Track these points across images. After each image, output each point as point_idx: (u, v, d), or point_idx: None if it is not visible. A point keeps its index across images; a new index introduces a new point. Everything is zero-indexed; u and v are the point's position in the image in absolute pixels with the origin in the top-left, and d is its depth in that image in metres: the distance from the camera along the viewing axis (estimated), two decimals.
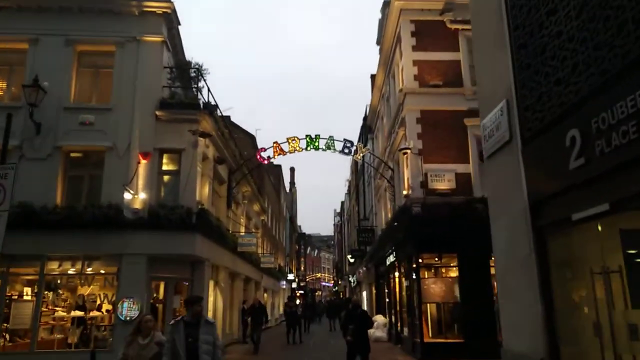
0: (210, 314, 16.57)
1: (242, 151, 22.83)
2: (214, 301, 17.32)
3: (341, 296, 62.92)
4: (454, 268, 14.40)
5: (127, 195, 12.81)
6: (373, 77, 27.33)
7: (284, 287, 47.94)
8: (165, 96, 13.97)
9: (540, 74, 4.79)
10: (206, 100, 14.75)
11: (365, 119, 30.26)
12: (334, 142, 18.79)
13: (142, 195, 13.13)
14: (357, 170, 39.64)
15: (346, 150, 18.68)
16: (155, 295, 14.01)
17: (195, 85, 14.55)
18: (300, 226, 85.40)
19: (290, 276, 51.86)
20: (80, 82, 14.27)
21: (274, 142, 18.80)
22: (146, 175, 13.39)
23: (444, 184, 14.61)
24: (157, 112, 13.69)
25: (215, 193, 17.55)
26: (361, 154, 18.94)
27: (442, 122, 15.10)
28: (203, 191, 15.08)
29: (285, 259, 49.41)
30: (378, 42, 24.01)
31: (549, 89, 4.66)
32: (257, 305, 17.37)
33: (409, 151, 14.63)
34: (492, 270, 14.13)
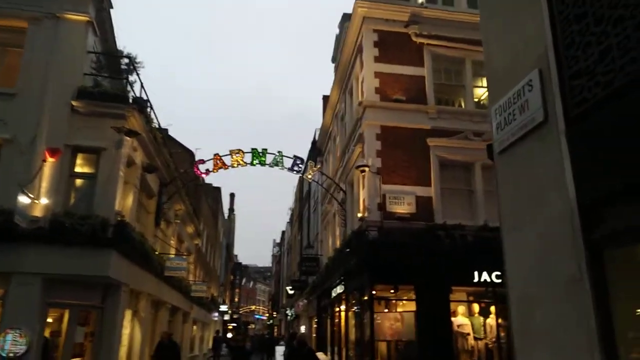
0: (124, 350, 13.95)
1: (179, 166, 20.51)
2: (130, 334, 14.68)
3: (274, 330, 59.99)
4: (411, 302, 12.83)
5: (24, 199, 10.32)
6: (325, 98, 26.12)
7: (216, 319, 44.63)
8: (86, 85, 11.74)
9: (607, 22, 3.31)
10: (138, 95, 12.62)
11: (314, 142, 28.85)
12: (282, 159, 17.02)
13: (44, 201, 10.68)
14: (302, 197, 37.97)
15: (296, 168, 16.95)
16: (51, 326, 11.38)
17: (126, 77, 12.39)
18: (236, 255, 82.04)
19: (224, 307, 48.61)
20: None
21: (215, 154, 16.77)
22: (53, 177, 10.97)
23: (403, 208, 13.18)
24: (74, 103, 11.41)
25: (141, 207, 15.16)
26: (311, 173, 17.28)
27: (403, 141, 13.81)
28: (126, 202, 12.75)
29: (219, 288, 46.29)
30: (334, 60, 22.87)
31: (623, 37, 3.17)
32: (165, 342, 13.20)
33: (367, 169, 13.14)
34: (452, 306, 12.76)
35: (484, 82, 15.16)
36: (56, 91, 11.42)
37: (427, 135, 13.85)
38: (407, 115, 14.00)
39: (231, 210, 71.96)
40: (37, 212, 10.58)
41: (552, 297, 3.75)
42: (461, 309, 13.07)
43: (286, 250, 54.82)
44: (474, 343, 12.91)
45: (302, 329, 31.12)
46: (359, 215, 13.65)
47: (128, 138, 11.71)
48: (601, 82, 3.38)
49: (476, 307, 13.26)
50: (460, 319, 12.95)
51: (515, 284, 4.30)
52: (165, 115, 62.50)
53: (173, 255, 17.72)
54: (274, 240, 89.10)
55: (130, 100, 11.84)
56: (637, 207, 3.11)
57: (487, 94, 15.29)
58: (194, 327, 30.76)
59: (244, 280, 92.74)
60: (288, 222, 55.74)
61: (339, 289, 16.42)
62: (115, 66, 12.95)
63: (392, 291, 12.90)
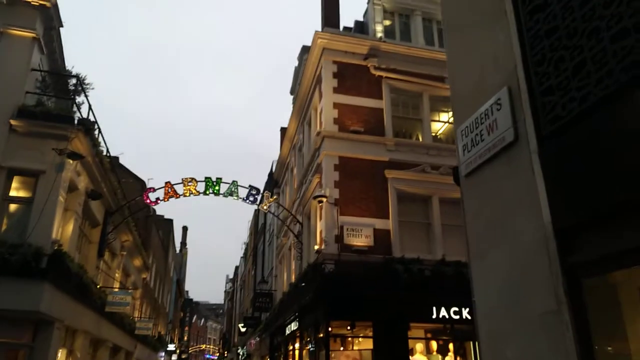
0: None
1: (129, 196, 19.48)
2: None
3: None
4: (368, 339, 12.35)
5: None
6: (283, 130, 25.93)
7: (162, 359, 42.22)
8: (28, 104, 10.97)
9: (581, 35, 3.17)
10: (85, 117, 11.90)
11: (270, 174, 28.44)
12: (237, 188, 16.49)
13: None
14: (257, 231, 37.12)
15: (251, 198, 16.43)
16: None
17: (72, 97, 11.69)
18: (187, 291, 79.10)
19: (171, 346, 46.17)
20: None
21: (166, 182, 16.06)
22: None
23: (360, 240, 12.86)
24: (13, 122, 10.61)
25: (83, 236, 14.16)
26: (267, 204, 16.78)
27: (361, 172, 13.64)
28: (65, 230, 11.82)
29: (167, 326, 44.05)
30: (292, 92, 22.81)
31: (599, 50, 3.03)
32: None
33: (324, 199, 12.81)
34: (411, 343, 12.37)
35: (441, 117, 15.41)
36: None
37: (385, 167, 13.75)
38: (365, 146, 13.89)
39: (183, 244, 69.67)
40: None
41: (525, 332, 3.45)
42: (419, 346, 12.70)
43: (239, 286, 53.11)
44: None
45: None
46: (316, 247, 13.22)
47: (71, 161, 10.94)
48: (576, 98, 3.20)
49: (434, 345, 12.92)
50: (418, 358, 12.55)
51: (484, 318, 3.99)
52: (115, 144, 60.54)
53: (117, 289, 16.59)
54: (227, 276, 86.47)
55: (76, 122, 11.11)
56: (620, 230, 2.88)
57: (443, 128, 15.54)
58: None
59: (194, 318, 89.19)
60: (242, 257, 54.27)
61: (294, 326, 15.73)
62: (62, 86, 12.24)
63: (348, 328, 12.40)
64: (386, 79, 14.67)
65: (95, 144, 12.42)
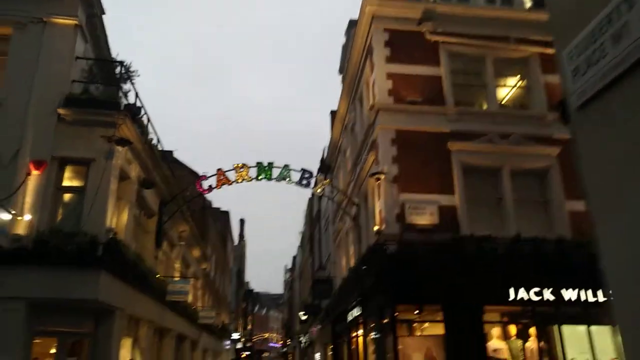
0: None
1: (183, 187, 19.37)
2: None
3: (290, 358, 57.89)
4: (439, 323, 11.43)
5: (5, 216, 9.27)
6: (333, 113, 25.13)
7: (228, 347, 42.96)
8: (75, 92, 10.79)
9: None
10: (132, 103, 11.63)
11: (322, 160, 27.75)
12: (289, 172, 15.89)
13: (28, 217, 9.61)
14: (312, 219, 36.73)
15: (304, 182, 15.78)
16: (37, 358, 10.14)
17: (118, 84, 11.42)
18: (248, 282, 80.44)
19: (235, 335, 46.89)
20: None
21: (218, 170, 15.71)
22: (37, 191, 9.95)
23: (424, 218, 11.92)
24: (61, 111, 10.46)
25: (139, 226, 14.06)
26: (321, 187, 16.11)
27: (421, 145, 12.64)
28: (120, 219, 11.67)
29: (231, 316, 44.73)
30: (341, 71, 21.95)
31: None
32: None
33: (382, 176, 11.95)
34: (486, 328, 11.34)
35: (507, 81, 14.08)
36: (42, 99, 10.51)
37: (448, 139, 12.68)
38: (424, 117, 12.87)
39: (241, 236, 70.76)
40: (20, 230, 9.52)
41: None
42: (496, 331, 11.64)
43: (298, 275, 53.20)
44: None
45: (317, 356, 29.47)
46: (376, 228, 12.40)
47: (120, 148, 10.69)
48: None
49: (513, 329, 11.80)
50: (496, 343, 11.50)
51: (624, 294, 3.03)
52: (167, 138, 61.87)
53: (177, 279, 16.52)
54: (285, 266, 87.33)
55: (122, 107, 10.84)
56: None
57: (510, 93, 14.22)
58: (204, 357, 29.26)
59: (256, 308, 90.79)
60: (299, 246, 54.29)
61: (356, 312, 15.02)
62: (108, 74, 12.04)
63: (416, 312, 11.55)
64: (443, 44, 13.51)
65: (143, 131, 12.16)
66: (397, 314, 11.29)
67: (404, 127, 12.74)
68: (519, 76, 14.07)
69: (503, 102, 13.96)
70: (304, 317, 31.99)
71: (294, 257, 63.98)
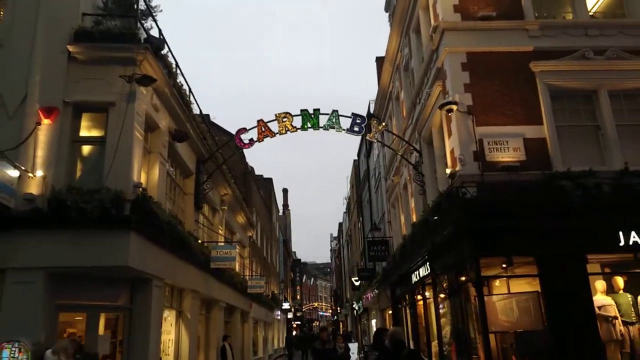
0: (168, 359, 11.47)
1: (222, 151, 17.71)
2: (176, 339, 12.17)
3: (341, 326, 57.22)
4: (532, 279, 9.46)
5: (12, 173, 7.88)
6: (379, 59, 22.87)
7: (279, 317, 42.42)
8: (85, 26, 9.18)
9: None
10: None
11: (369, 114, 25.63)
12: (339, 119, 14.04)
13: (40, 173, 8.20)
14: (359, 181, 34.88)
15: (356, 128, 13.90)
16: (69, 334, 8.90)
17: (135, 15, 9.69)
18: (295, 252, 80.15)
19: (286, 305, 46.34)
20: None
21: (258, 121, 14.01)
22: (51, 144, 8.53)
23: (508, 155, 9.83)
24: (71, 48, 8.90)
25: (175, 187, 12.61)
26: (376, 132, 14.13)
27: (498, 69, 10.44)
28: (151, 175, 10.17)
29: (280, 285, 44.01)
30: (387, 8, 19.63)
31: None
32: None
33: (454, 107, 9.88)
34: (591, 280, 9.30)
35: None
36: (49, 36, 9.01)
37: (530, 59, 10.41)
38: (500, 35, 10.61)
39: (285, 206, 70.03)
40: (32, 189, 8.14)
41: None
42: (600, 284, 9.59)
43: (345, 242, 51.81)
44: (624, 329, 9.40)
45: (373, 323, 28.08)
46: (448, 171, 10.41)
47: (143, 89, 9.07)
48: None
49: (620, 282, 9.70)
50: (601, 298, 9.47)
51: None
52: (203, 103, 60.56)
53: (222, 244, 15.14)
54: (331, 234, 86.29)
55: (142, 40, 9.16)
56: None
57: (601, 1, 11.69)
58: (257, 328, 28.46)
59: (304, 278, 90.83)
60: (344, 212, 52.75)
61: (422, 272, 13.19)
62: (124, 10, 10.31)
63: (504, 266, 9.61)
64: None
65: (170, 72, 10.51)
66: (480, 269, 9.37)
67: (476, 48, 10.54)
68: None
69: (594, 11, 11.47)
70: (357, 283, 30.60)
71: (340, 224, 62.61)
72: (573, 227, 9.03)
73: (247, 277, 22.06)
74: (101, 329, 9.41)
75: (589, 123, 10.43)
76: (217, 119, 26.84)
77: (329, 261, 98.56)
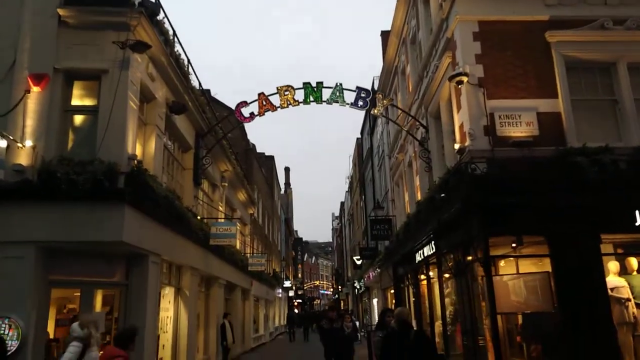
0: (166, 337, 11.26)
1: (223, 127, 17.21)
2: (174, 317, 11.94)
3: (342, 305, 57.43)
4: (543, 258, 9.11)
5: (2, 143, 7.50)
6: (385, 33, 22.26)
7: (280, 295, 42.50)
8: None
9: None
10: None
11: (373, 90, 25.04)
12: (342, 93, 13.57)
13: (29, 143, 7.81)
14: (361, 160, 34.46)
15: (360, 103, 13.44)
16: (68, 310, 8.64)
17: None
18: (296, 231, 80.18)
19: (287, 283, 46.41)
20: None
21: (259, 94, 13.54)
22: (41, 113, 8.12)
23: (520, 129, 9.39)
24: (61, 12, 8.42)
25: (173, 161, 12.22)
26: (382, 107, 13.64)
27: (512, 39, 9.92)
28: (147, 148, 9.79)
29: (281, 264, 43.98)
30: None
31: None
32: None
33: (465, 79, 9.40)
34: (605, 261, 8.96)
35: None
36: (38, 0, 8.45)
37: (546, 28, 9.88)
38: (514, 3, 10.07)
39: (287, 184, 69.68)
40: (22, 160, 7.76)
41: None
42: (613, 265, 9.22)
43: (347, 221, 51.61)
44: (637, 312, 9.08)
45: (374, 302, 28.00)
46: (457, 146, 9.97)
47: (137, 57, 8.61)
48: None
49: (634, 263, 9.34)
50: (614, 280, 9.11)
51: None
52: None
53: (222, 220, 14.83)
54: (333, 213, 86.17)
55: (136, 4, 8.65)
56: None
57: None
58: (258, 306, 28.42)
59: (305, 256, 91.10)
60: (347, 191, 52.40)
61: (427, 251, 12.88)
62: None
63: (513, 245, 9.26)
64: None
65: (167, 40, 10.02)
66: (489, 248, 9.02)
67: (489, 16, 10.01)
68: None
69: None
70: (359, 262, 30.43)
71: (342, 203, 62.36)
72: (587, 205, 8.64)
73: (248, 254, 21.84)
74: (98, 306, 9.18)
75: (606, 97, 9.95)
76: (218, 95, 26.34)
77: (331, 240, 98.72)
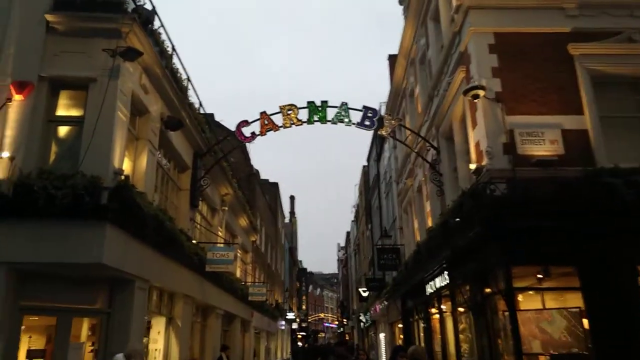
0: None
1: (224, 147, 16.57)
2: (164, 350, 10.98)
3: (347, 338, 55.61)
4: (573, 292, 8.17)
5: None
6: (392, 57, 21.83)
7: (283, 327, 41.03)
8: None
9: None
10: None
11: (380, 118, 24.43)
12: (348, 112, 12.92)
13: (5, 154, 7.12)
14: (368, 188, 33.66)
15: (367, 122, 12.77)
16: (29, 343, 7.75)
17: None
18: (301, 261, 78.72)
19: (290, 315, 44.95)
20: None
21: (261, 113, 12.91)
22: (22, 123, 7.46)
23: (543, 148, 8.62)
24: (49, 17, 7.86)
25: (169, 180, 11.49)
26: (389, 127, 12.95)
27: (531, 51, 9.28)
28: (138, 164, 9.06)
29: (284, 295, 42.67)
30: (401, 2, 18.54)
31: None
32: None
33: (481, 92, 8.69)
34: None
35: None
36: (26, 4, 7.93)
37: (568, 41, 9.23)
38: (532, 14, 9.48)
39: (292, 213, 68.74)
40: None
41: None
42: None
43: (353, 251, 50.40)
44: None
45: (381, 337, 26.68)
46: (472, 166, 9.19)
47: (130, 68, 8.00)
48: None
49: None
50: None
51: None
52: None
53: (222, 245, 13.98)
54: (338, 244, 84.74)
55: (129, 10, 8.09)
56: None
57: None
58: (260, 339, 27.18)
59: (310, 288, 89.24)
60: (352, 221, 51.38)
61: (439, 282, 11.93)
62: None
63: (539, 276, 8.34)
64: None
65: (162, 51, 9.44)
66: (512, 278, 8.11)
67: (506, 28, 9.40)
68: None
69: None
70: (365, 294, 29.23)
71: (348, 233, 61.21)
72: (622, 232, 7.78)
73: (249, 283, 20.86)
74: (84, 336, 8.32)
75: (637, 114, 9.20)
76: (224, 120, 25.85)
77: (336, 272, 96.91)
